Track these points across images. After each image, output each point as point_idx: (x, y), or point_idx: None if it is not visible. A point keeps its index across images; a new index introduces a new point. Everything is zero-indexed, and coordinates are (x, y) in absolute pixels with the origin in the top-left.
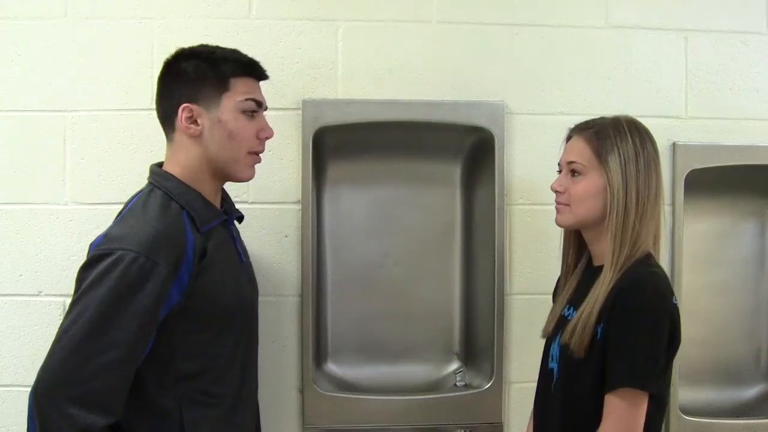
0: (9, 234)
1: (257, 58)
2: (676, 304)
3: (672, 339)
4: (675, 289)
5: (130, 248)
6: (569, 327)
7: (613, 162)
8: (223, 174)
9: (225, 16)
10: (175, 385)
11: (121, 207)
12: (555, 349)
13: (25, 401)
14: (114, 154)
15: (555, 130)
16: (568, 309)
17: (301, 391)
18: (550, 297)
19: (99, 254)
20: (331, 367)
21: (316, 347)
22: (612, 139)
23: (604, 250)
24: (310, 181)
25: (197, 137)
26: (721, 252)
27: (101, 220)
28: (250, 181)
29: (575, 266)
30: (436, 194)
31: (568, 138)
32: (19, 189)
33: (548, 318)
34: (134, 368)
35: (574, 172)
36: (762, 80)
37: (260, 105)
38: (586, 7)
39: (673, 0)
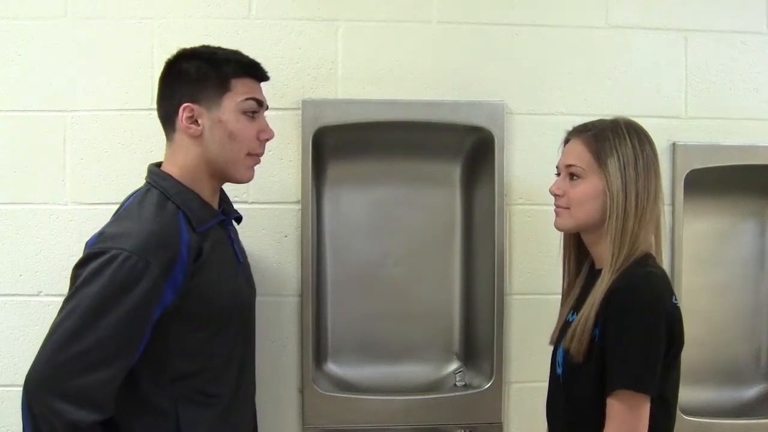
0: (9, 234)
1: (257, 58)
2: (676, 304)
3: (673, 340)
4: (675, 289)
5: (124, 247)
6: (569, 332)
7: (612, 165)
8: (222, 175)
9: (225, 16)
10: (172, 384)
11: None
12: (560, 355)
13: None
14: (114, 154)
15: (555, 130)
16: (572, 314)
17: (301, 391)
18: (550, 297)
19: (93, 252)
20: (331, 367)
21: (316, 347)
22: (611, 142)
23: (604, 253)
24: (310, 181)
25: (197, 137)
26: (721, 252)
27: (101, 220)
28: (251, 181)
29: (577, 271)
30: (436, 194)
31: (566, 140)
32: (19, 189)
33: (556, 324)
34: (125, 366)
35: (572, 176)
36: (762, 80)
37: (261, 104)
38: (586, 7)
39: (673, 0)
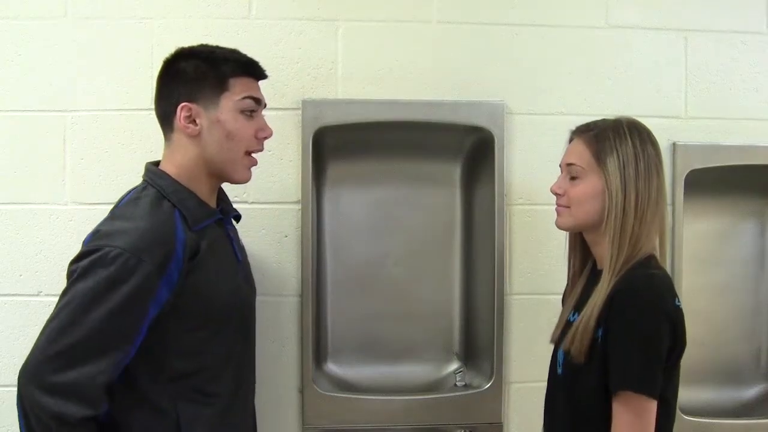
0: (9, 234)
1: (257, 58)
2: (678, 306)
3: (675, 342)
4: (675, 290)
5: (117, 245)
6: (570, 333)
7: (612, 165)
8: (220, 174)
9: (225, 16)
10: (171, 383)
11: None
12: (560, 355)
13: None
14: (114, 154)
15: (555, 130)
16: (573, 314)
17: (301, 391)
18: (550, 297)
19: (86, 250)
20: (331, 367)
21: (316, 347)
22: (611, 141)
23: (604, 253)
24: (310, 181)
25: (195, 137)
26: (721, 252)
27: (101, 220)
28: (250, 181)
29: (581, 270)
30: (436, 194)
31: (570, 140)
32: (19, 189)
33: (557, 323)
34: (117, 361)
35: (573, 175)
36: (762, 80)
37: (259, 103)
38: (586, 7)
39: (673, 0)
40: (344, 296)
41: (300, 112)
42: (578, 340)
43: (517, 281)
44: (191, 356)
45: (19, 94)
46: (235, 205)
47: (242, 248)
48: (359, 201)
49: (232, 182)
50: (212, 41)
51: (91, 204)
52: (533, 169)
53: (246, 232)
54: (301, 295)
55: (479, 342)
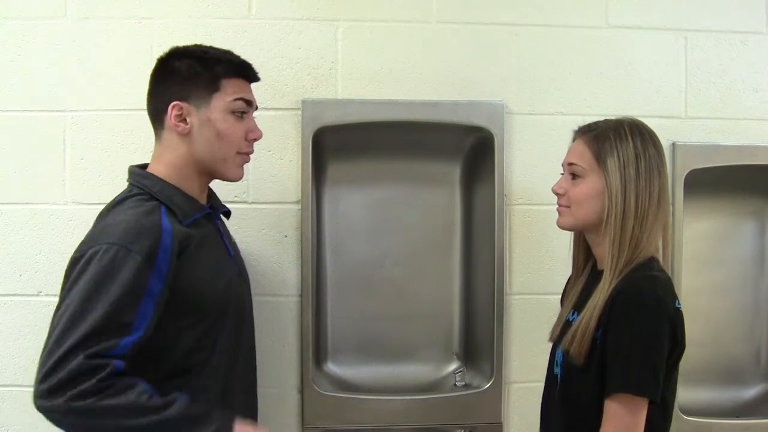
0: (9, 234)
1: (257, 58)
2: (678, 308)
3: (675, 344)
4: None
5: (104, 242)
6: (569, 333)
7: (612, 165)
8: (210, 172)
9: (225, 16)
10: (168, 380)
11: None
12: (559, 355)
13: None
14: (114, 154)
15: (554, 130)
16: (573, 314)
17: (301, 391)
18: (550, 297)
19: (76, 257)
20: (331, 367)
21: (316, 347)
22: (612, 141)
23: (605, 254)
24: (310, 181)
25: (185, 135)
26: (721, 252)
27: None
28: (250, 181)
29: (583, 269)
30: (436, 194)
31: (573, 140)
32: (19, 189)
33: (555, 322)
34: (130, 342)
35: (574, 175)
36: (762, 80)
37: (250, 105)
38: (586, 7)
39: (673, 0)
40: (344, 296)
41: (300, 112)
42: (578, 341)
43: (517, 281)
44: (188, 353)
45: (19, 94)
46: (235, 205)
47: (234, 244)
48: (359, 201)
49: (225, 180)
50: (212, 41)
51: (91, 204)
52: (533, 169)
53: (246, 232)
54: (301, 295)
55: (479, 342)
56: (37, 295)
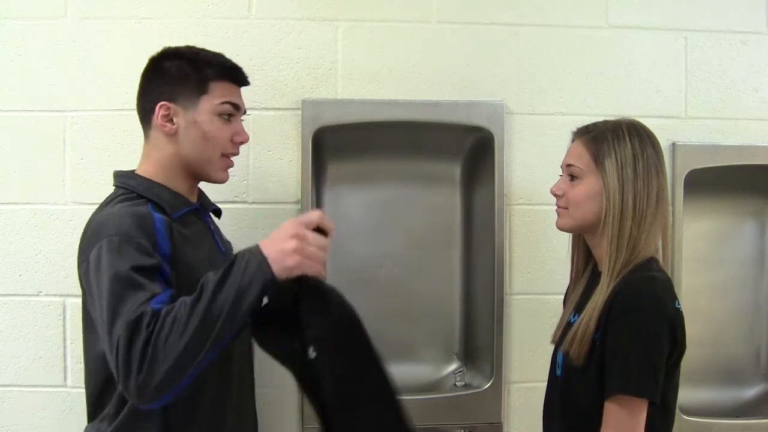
0: (9, 234)
1: (257, 58)
2: (678, 309)
3: (675, 344)
4: (674, 290)
5: (103, 236)
6: (569, 335)
7: (610, 166)
8: (197, 173)
9: (225, 16)
10: None
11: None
12: (560, 356)
13: (26, 401)
14: (114, 154)
15: (554, 130)
16: (574, 315)
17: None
18: (550, 297)
19: (83, 266)
20: None
21: None
22: (609, 142)
23: (604, 255)
24: (310, 181)
25: (172, 135)
26: (721, 252)
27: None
28: (250, 181)
29: (584, 271)
30: (436, 194)
31: (572, 141)
32: (19, 189)
33: (557, 323)
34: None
35: (572, 176)
36: (762, 80)
37: (238, 109)
38: (586, 7)
39: (673, 0)
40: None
41: (300, 111)
42: (577, 342)
43: (517, 281)
44: None
45: (19, 94)
46: (235, 205)
47: (226, 242)
48: (359, 201)
49: (211, 182)
50: (212, 41)
51: (91, 204)
52: (533, 169)
53: (246, 232)
54: None
55: (479, 342)
56: (37, 295)
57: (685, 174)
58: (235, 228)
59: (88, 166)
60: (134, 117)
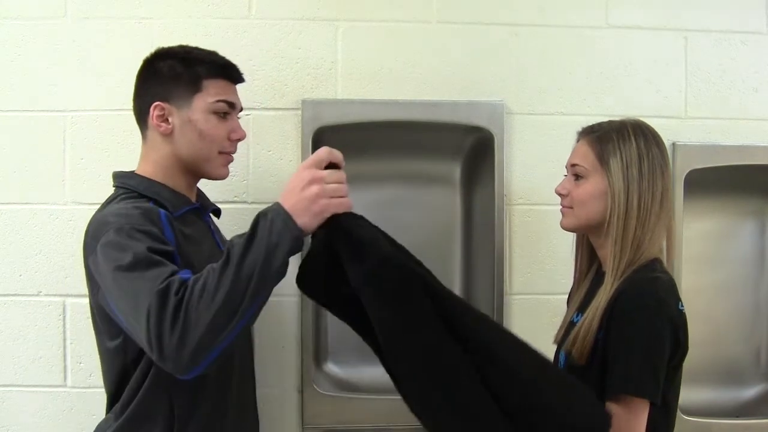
0: (9, 234)
1: (257, 58)
2: (681, 311)
3: (677, 346)
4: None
5: (110, 228)
6: (572, 335)
7: (615, 165)
8: (196, 171)
9: (225, 16)
10: (160, 381)
11: None
12: (562, 356)
13: (26, 401)
14: (114, 154)
15: (554, 130)
16: (577, 315)
17: (301, 392)
18: (550, 297)
19: (90, 258)
20: (331, 367)
21: (316, 347)
22: (615, 142)
23: (608, 255)
24: None
25: (168, 135)
26: (721, 252)
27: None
28: (250, 181)
29: (587, 271)
30: (436, 194)
31: (577, 141)
32: (19, 189)
33: (561, 323)
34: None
35: (577, 176)
36: (762, 80)
37: (233, 107)
38: (586, 7)
39: (673, 0)
40: None
41: (300, 111)
42: (580, 342)
43: (517, 281)
44: None
45: (19, 94)
46: (235, 205)
47: (225, 241)
48: (359, 201)
49: (211, 179)
50: (212, 41)
51: (91, 204)
52: (533, 169)
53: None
54: (301, 296)
55: None
56: (37, 295)
57: (685, 174)
58: (235, 228)
59: (88, 166)
60: (134, 117)
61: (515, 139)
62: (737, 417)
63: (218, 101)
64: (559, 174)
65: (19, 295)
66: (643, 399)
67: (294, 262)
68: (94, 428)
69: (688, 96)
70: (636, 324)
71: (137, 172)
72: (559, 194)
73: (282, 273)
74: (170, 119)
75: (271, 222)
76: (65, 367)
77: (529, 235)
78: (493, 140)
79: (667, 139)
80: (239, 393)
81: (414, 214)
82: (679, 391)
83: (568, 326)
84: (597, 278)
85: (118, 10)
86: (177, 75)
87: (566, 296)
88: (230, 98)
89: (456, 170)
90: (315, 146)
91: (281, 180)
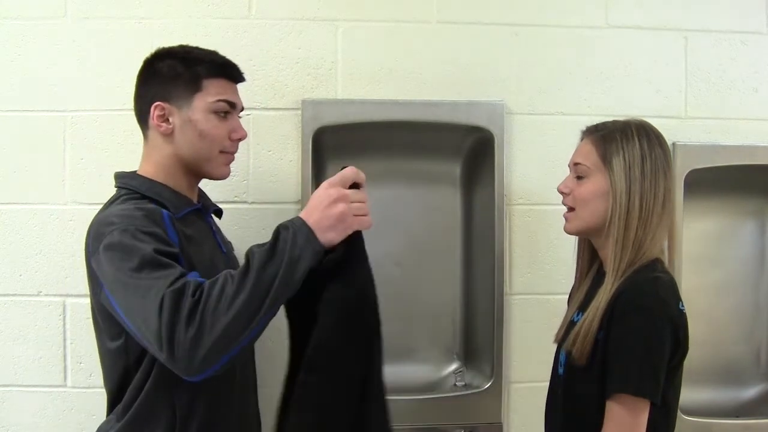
0: (9, 234)
1: (257, 58)
2: (682, 311)
3: (677, 346)
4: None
5: (114, 228)
6: (572, 334)
7: (618, 165)
8: (197, 171)
9: (225, 16)
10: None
11: None
12: (563, 355)
13: (25, 401)
14: (114, 154)
15: (555, 130)
16: (577, 314)
17: None
18: (550, 297)
19: (91, 254)
20: None
21: None
22: (618, 142)
23: (609, 255)
24: (310, 181)
25: (169, 135)
26: (721, 252)
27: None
28: (250, 181)
29: (588, 270)
30: (436, 194)
31: (581, 140)
32: (19, 189)
33: (561, 322)
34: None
35: (579, 175)
36: (762, 80)
37: (234, 106)
38: (586, 7)
39: (673, 0)
40: None
41: (300, 112)
42: (580, 341)
43: (517, 281)
44: None
45: (19, 94)
46: (235, 205)
47: (228, 243)
48: None
49: (212, 178)
50: (212, 41)
51: (91, 204)
52: (533, 169)
53: (246, 232)
54: None
55: (479, 342)
56: (37, 295)
57: (685, 174)
58: (236, 228)
59: (88, 166)
60: (134, 117)
61: (515, 139)
62: (737, 417)
63: (218, 101)
64: (559, 174)
65: (19, 295)
66: (643, 399)
67: None
68: (94, 429)
69: (688, 96)
70: (636, 324)
71: (139, 172)
72: (561, 192)
73: (299, 286)
74: (171, 119)
75: (294, 235)
76: (65, 367)
77: (529, 235)
78: (493, 140)
79: (667, 139)
80: (241, 393)
81: (414, 214)
82: (680, 391)
83: (569, 326)
84: (598, 278)
85: (118, 10)
86: (177, 75)
87: (566, 296)
88: (231, 98)
89: (456, 170)
90: (315, 146)
91: (281, 180)
